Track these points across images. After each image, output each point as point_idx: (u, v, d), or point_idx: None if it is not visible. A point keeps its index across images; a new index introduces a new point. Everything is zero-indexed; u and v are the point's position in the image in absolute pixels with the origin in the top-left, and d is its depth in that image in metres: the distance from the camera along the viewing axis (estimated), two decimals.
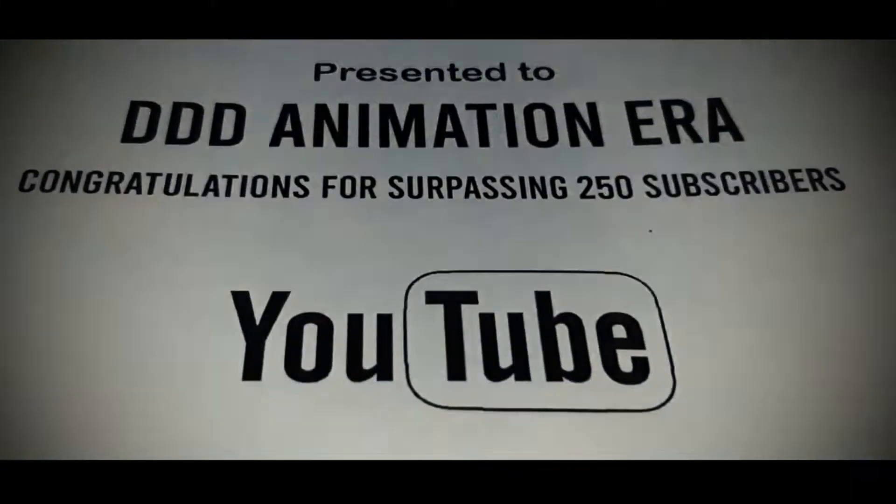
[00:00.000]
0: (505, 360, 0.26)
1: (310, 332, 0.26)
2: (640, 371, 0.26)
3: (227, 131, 0.32)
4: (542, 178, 0.31)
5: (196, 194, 0.30)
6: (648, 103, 0.33)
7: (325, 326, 0.26)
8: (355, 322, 0.27)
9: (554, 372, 0.26)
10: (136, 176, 0.30)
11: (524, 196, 0.30)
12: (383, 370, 0.26)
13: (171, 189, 0.30)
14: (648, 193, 0.30)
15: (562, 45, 0.36)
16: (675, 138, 0.32)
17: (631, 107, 0.33)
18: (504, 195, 0.30)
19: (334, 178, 0.31)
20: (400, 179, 0.31)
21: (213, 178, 0.31)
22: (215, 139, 0.32)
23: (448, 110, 0.33)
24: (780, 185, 0.31)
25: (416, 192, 0.30)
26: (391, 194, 0.30)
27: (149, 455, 0.24)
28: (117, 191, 0.30)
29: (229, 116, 0.33)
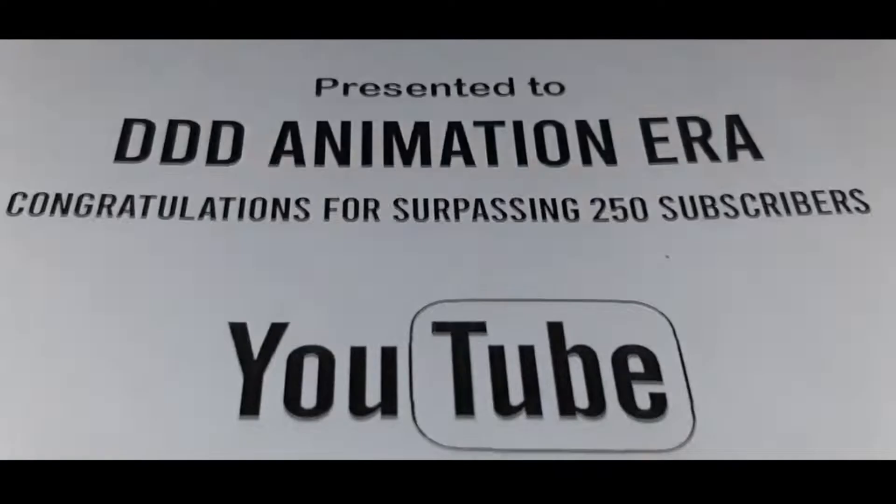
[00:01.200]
0: (516, 395, 0.25)
1: (310, 366, 0.25)
2: (658, 407, 0.24)
3: (224, 150, 0.31)
4: (553, 200, 0.30)
5: (192, 218, 0.29)
6: (664, 120, 0.32)
7: (326, 360, 0.25)
8: (358, 355, 0.25)
9: (567, 408, 0.24)
10: (130, 198, 0.29)
11: (534, 219, 0.29)
12: (388, 406, 0.24)
13: (166, 212, 0.29)
14: (665, 216, 0.29)
15: (572, 57, 0.35)
16: (691, 157, 0.31)
17: (645, 124, 0.32)
18: (514, 218, 0.29)
19: (336, 199, 0.29)
20: (405, 201, 0.29)
21: (209, 201, 0.29)
22: (212, 158, 0.31)
23: (455, 127, 0.32)
24: (803, 208, 0.29)
25: (421, 214, 0.29)
26: (395, 217, 0.29)
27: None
28: (109, 214, 0.29)
29: (227, 134, 0.32)
